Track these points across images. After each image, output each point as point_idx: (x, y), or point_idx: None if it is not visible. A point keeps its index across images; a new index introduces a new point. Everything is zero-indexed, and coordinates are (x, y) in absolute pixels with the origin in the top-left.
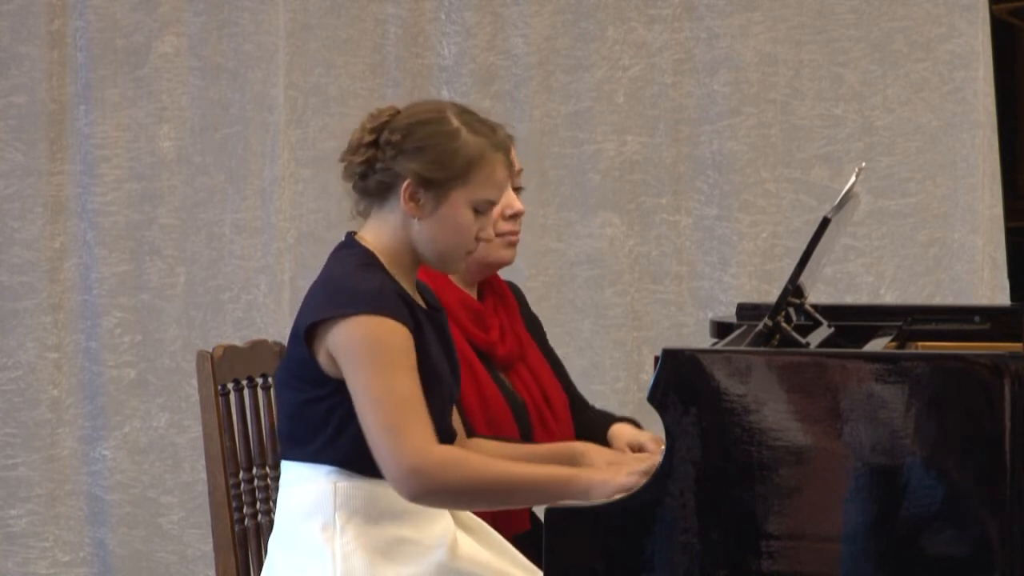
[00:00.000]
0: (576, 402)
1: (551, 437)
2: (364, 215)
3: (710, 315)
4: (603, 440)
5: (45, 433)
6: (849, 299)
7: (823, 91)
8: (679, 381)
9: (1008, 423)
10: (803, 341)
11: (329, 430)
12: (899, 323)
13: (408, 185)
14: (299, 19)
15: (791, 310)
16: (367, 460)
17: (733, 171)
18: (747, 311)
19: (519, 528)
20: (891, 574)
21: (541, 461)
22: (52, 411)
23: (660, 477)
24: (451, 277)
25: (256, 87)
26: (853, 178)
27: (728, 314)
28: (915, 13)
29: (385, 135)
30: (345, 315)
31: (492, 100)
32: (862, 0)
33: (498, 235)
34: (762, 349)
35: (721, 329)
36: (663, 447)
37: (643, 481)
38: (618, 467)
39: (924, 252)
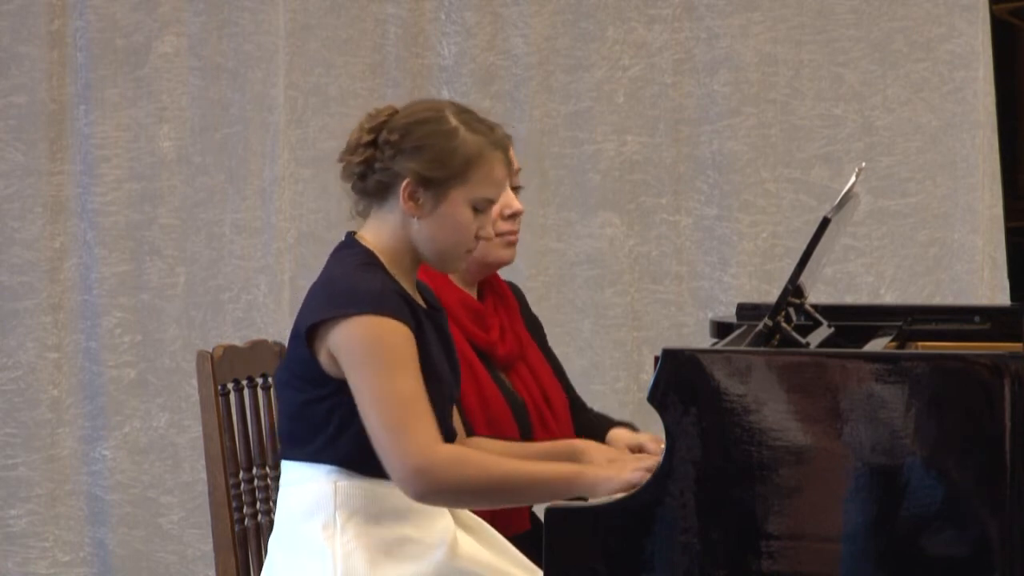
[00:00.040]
0: (575, 403)
1: (551, 437)
2: (363, 215)
3: (710, 315)
4: (602, 441)
5: (45, 433)
6: (849, 299)
7: (823, 91)
8: (679, 381)
9: (1008, 423)
10: (803, 341)
11: (330, 430)
12: (899, 323)
13: (407, 184)
14: (299, 19)
15: (791, 310)
16: (368, 460)
17: (733, 171)
18: (747, 311)
19: (519, 528)
20: (891, 574)
21: (541, 459)
22: (52, 411)
23: (660, 477)
24: (451, 277)
25: (256, 87)
26: (853, 178)
27: (728, 314)
28: (915, 13)
29: (383, 135)
30: (346, 315)
31: (492, 100)
32: (862, 0)
33: (497, 235)
34: (762, 349)
35: (721, 329)
36: (662, 446)
37: (647, 478)
38: (622, 464)
39: (924, 252)
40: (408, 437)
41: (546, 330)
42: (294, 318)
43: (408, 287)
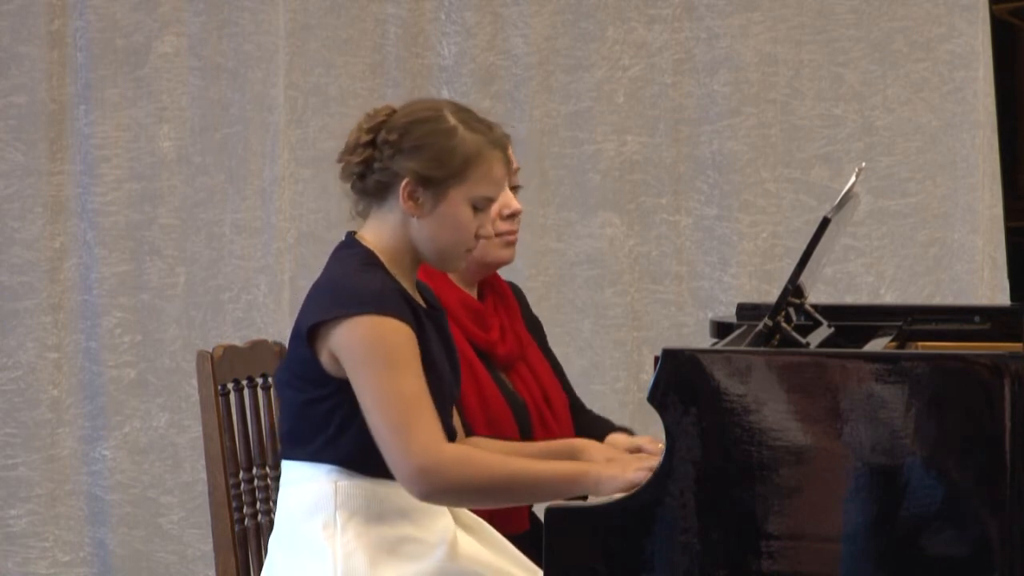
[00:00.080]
0: (574, 404)
1: (551, 437)
2: (363, 215)
3: (710, 315)
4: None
5: (45, 433)
6: (849, 299)
7: (823, 91)
8: (679, 381)
9: (1008, 423)
10: (803, 341)
11: (331, 430)
12: (899, 323)
13: (407, 184)
14: (299, 19)
15: (791, 310)
16: (368, 459)
17: (733, 171)
18: (747, 311)
19: (519, 528)
20: (891, 574)
21: (541, 458)
22: (52, 411)
23: (660, 477)
24: (451, 277)
25: (256, 87)
26: (853, 178)
27: (728, 314)
28: (915, 13)
29: (382, 135)
30: (348, 315)
31: (492, 100)
32: (862, 0)
33: (496, 235)
34: (762, 349)
35: (721, 329)
36: (661, 446)
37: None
38: (626, 463)
39: (924, 252)
40: (412, 436)
41: (546, 330)
42: (294, 318)
43: (408, 287)
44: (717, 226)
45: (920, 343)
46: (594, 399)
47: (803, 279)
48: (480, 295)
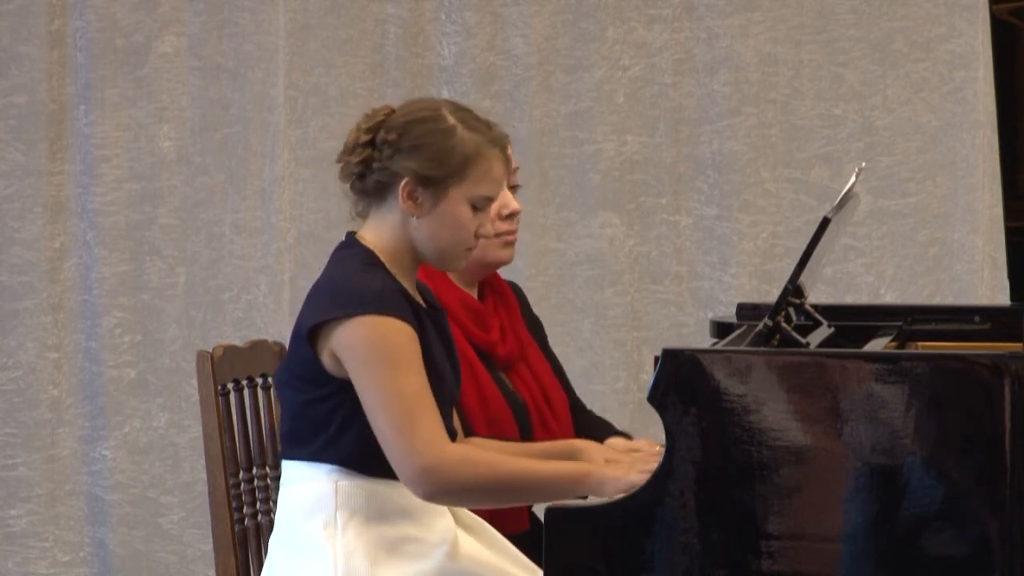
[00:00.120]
0: (574, 405)
1: (551, 437)
2: (363, 216)
3: (710, 315)
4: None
5: (45, 433)
6: (849, 299)
7: (823, 91)
8: (679, 381)
9: (1008, 423)
10: (803, 341)
11: (332, 430)
12: (899, 323)
13: (406, 184)
14: (299, 19)
15: (791, 310)
16: (369, 459)
17: (733, 171)
18: (747, 311)
19: (518, 528)
20: (891, 574)
21: (542, 459)
22: (52, 411)
23: (660, 477)
24: (451, 277)
25: (256, 87)
26: (853, 178)
27: (728, 314)
28: (915, 13)
29: (381, 134)
30: (350, 315)
31: (492, 100)
32: (862, 0)
33: (495, 235)
34: (762, 349)
35: (721, 329)
36: (660, 448)
37: None
38: (629, 465)
39: (924, 252)
40: (415, 436)
41: (546, 330)
42: (294, 318)
43: (409, 286)
44: (717, 226)
45: (920, 343)
46: (594, 399)
47: (803, 279)
48: (480, 295)
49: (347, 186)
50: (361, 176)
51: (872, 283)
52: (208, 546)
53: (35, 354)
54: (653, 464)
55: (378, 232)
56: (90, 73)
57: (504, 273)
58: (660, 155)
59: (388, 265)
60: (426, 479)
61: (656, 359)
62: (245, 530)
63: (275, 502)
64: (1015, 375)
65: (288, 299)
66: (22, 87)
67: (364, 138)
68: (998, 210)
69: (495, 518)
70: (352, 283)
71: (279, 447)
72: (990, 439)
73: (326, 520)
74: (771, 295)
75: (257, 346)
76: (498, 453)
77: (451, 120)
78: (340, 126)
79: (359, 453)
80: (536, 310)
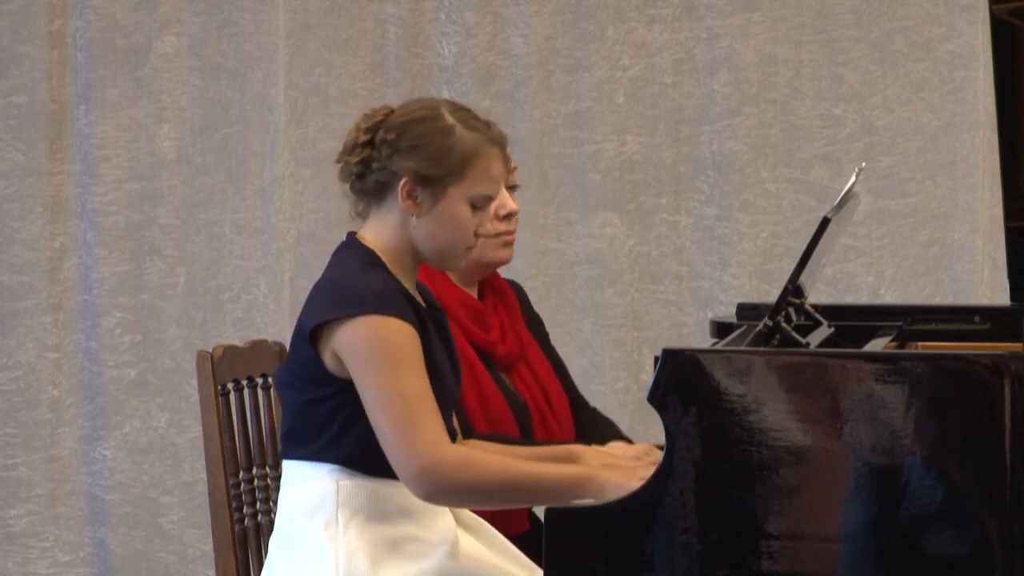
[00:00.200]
0: (576, 402)
1: (551, 436)
2: (363, 216)
3: (710, 315)
4: (601, 441)
5: (45, 433)
6: (849, 299)
7: (823, 91)
8: (679, 381)
9: (1008, 423)
10: (803, 341)
11: (333, 429)
12: (899, 323)
13: (405, 183)
14: (299, 19)
15: (791, 310)
16: (370, 459)
17: (733, 171)
18: (747, 311)
19: (518, 528)
20: (891, 574)
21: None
22: (52, 411)
23: (660, 477)
24: (451, 276)
25: (256, 87)
26: (853, 178)
27: (728, 314)
28: (915, 13)
29: (380, 134)
30: (351, 315)
31: (492, 100)
32: (862, 0)
33: (493, 235)
34: (762, 349)
35: (721, 329)
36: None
37: None
38: (631, 470)
39: (924, 252)
40: (416, 437)
41: (546, 330)
42: (294, 318)
43: (409, 286)
44: (717, 226)
45: (920, 343)
46: (594, 399)
47: (803, 279)
48: (480, 295)
49: (347, 186)
50: (360, 176)
51: (872, 283)
52: (208, 546)
53: (35, 354)
54: (652, 470)
55: (378, 232)
56: (90, 73)
57: (504, 273)
58: (660, 155)
59: (388, 265)
60: (426, 480)
61: (656, 359)
62: (245, 530)
63: (275, 502)
64: (1015, 375)
65: (288, 299)
66: (22, 87)
67: (363, 138)
68: (998, 210)
69: (496, 518)
70: (353, 283)
71: (279, 447)
72: (990, 439)
73: (327, 520)
74: (771, 295)
75: (257, 346)
76: (499, 455)
77: (450, 120)
78: (340, 126)
79: (361, 453)
80: (536, 310)
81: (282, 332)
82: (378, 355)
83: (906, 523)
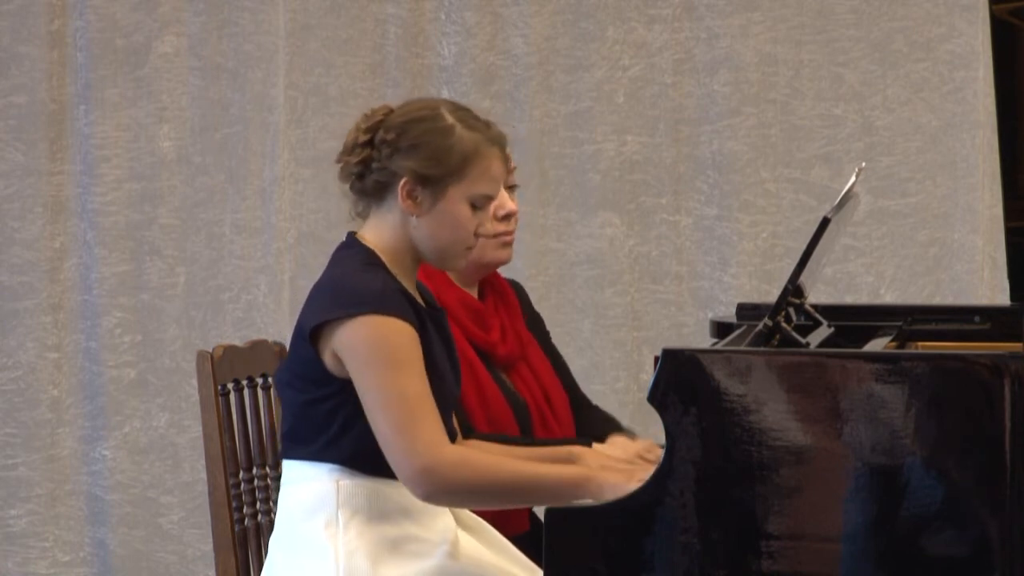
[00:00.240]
0: (577, 400)
1: (551, 437)
2: (363, 216)
3: (710, 315)
4: (602, 441)
5: (45, 433)
6: (849, 299)
7: (823, 91)
8: (679, 381)
9: (1008, 423)
10: (803, 341)
11: (333, 429)
12: (899, 323)
13: (405, 183)
14: (299, 19)
15: (791, 310)
16: (370, 459)
17: (733, 171)
18: (747, 311)
19: (518, 528)
20: (891, 574)
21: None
22: (52, 411)
23: (660, 477)
24: (451, 277)
25: (256, 87)
26: (853, 178)
27: (728, 314)
28: (915, 13)
29: (380, 134)
30: (351, 315)
31: (492, 100)
32: (862, 0)
33: (492, 236)
34: (762, 349)
35: (721, 329)
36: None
37: None
38: (631, 472)
39: (924, 252)
40: (415, 437)
41: (547, 328)
42: (294, 318)
43: (409, 286)
44: (717, 226)
45: (920, 343)
46: (594, 399)
47: (803, 279)
48: (480, 295)
49: (347, 186)
50: (360, 176)
51: (872, 283)
52: (208, 546)
53: (35, 354)
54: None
55: (378, 232)
56: (90, 73)
57: (504, 273)
58: (660, 155)
59: (388, 265)
60: (425, 480)
61: (656, 359)
62: (245, 530)
63: (275, 502)
64: (1015, 375)
65: (288, 299)
66: (22, 87)
67: (363, 138)
68: (998, 210)
69: (496, 519)
70: (353, 283)
71: (279, 447)
72: (990, 439)
73: (327, 519)
74: (771, 295)
75: (257, 346)
76: (498, 456)
77: (450, 119)
78: (340, 126)
79: (361, 452)
80: (536, 310)
81: (282, 332)
82: (378, 355)
83: (906, 523)
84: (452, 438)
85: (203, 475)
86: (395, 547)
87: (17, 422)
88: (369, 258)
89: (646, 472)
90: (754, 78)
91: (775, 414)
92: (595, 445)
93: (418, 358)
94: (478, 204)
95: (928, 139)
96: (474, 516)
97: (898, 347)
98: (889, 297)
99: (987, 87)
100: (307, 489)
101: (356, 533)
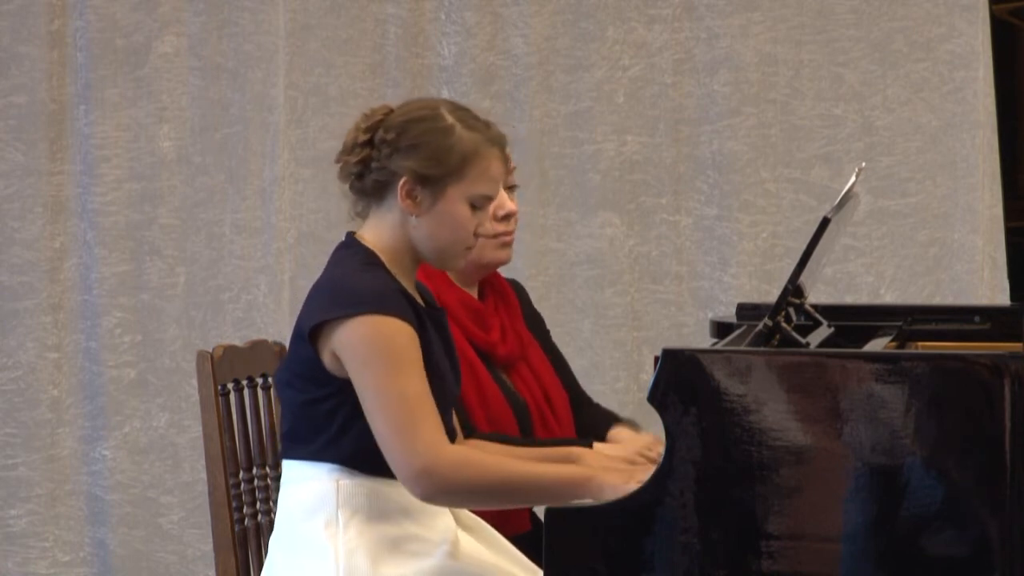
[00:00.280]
0: (578, 398)
1: (552, 436)
2: (363, 215)
3: (710, 315)
4: (603, 438)
5: (45, 433)
6: (849, 299)
7: (823, 91)
8: (679, 381)
9: (1008, 423)
10: (803, 341)
11: (332, 429)
12: (899, 323)
13: (405, 183)
14: (299, 19)
15: (791, 310)
16: (370, 458)
17: (733, 171)
18: (747, 311)
19: (519, 528)
20: (891, 574)
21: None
22: (52, 411)
23: (660, 477)
24: (451, 277)
25: (256, 87)
26: (853, 178)
27: (728, 314)
28: (915, 13)
29: (380, 134)
30: (350, 315)
31: (492, 100)
32: (862, 0)
33: (492, 236)
34: (762, 349)
35: (721, 329)
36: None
37: None
38: (630, 472)
39: (924, 252)
40: (414, 437)
41: (547, 327)
42: (294, 318)
43: (408, 286)
44: (717, 226)
45: (920, 343)
46: (594, 399)
47: (803, 279)
48: (481, 295)
49: (346, 186)
50: (360, 176)
51: (872, 283)
52: (208, 546)
53: (35, 354)
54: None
55: (378, 232)
56: (90, 73)
57: (504, 273)
58: (660, 155)
59: (388, 265)
60: (425, 480)
61: (656, 359)
62: (245, 530)
63: (275, 502)
64: (1015, 375)
65: (288, 299)
66: (22, 87)
67: (363, 138)
68: (998, 210)
69: (496, 519)
70: (352, 283)
71: (279, 447)
72: (990, 439)
73: (327, 519)
74: (771, 295)
75: (257, 346)
76: (497, 456)
77: (449, 119)
78: (340, 126)
79: (361, 452)
80: (536, 309)
81: (282, 332)
82: (377, 355)
83: (906, 523)
84: (452, 438)
85: (203, 475)
86: (395, 547)
87: (17, 422)
88: (368, 258)
89: (646, 472)
90: (754, 78)
91: (775, 414)
92: (596, 444)
93: (417, 358)
94: (478, 204)
95: (928, 139)
96: (474, 516)
97: (898, 347)
98: (889, 297)
99: (987, 87)
100: (307, 489)
101: (356, 533)
